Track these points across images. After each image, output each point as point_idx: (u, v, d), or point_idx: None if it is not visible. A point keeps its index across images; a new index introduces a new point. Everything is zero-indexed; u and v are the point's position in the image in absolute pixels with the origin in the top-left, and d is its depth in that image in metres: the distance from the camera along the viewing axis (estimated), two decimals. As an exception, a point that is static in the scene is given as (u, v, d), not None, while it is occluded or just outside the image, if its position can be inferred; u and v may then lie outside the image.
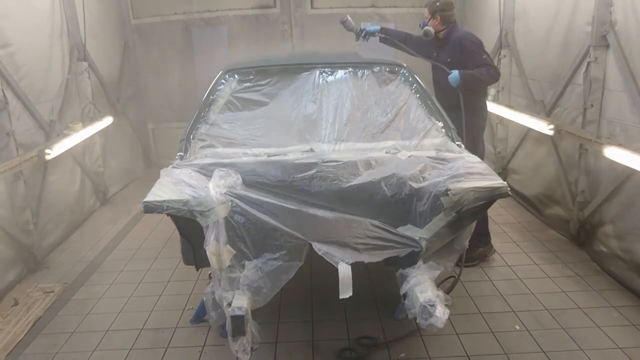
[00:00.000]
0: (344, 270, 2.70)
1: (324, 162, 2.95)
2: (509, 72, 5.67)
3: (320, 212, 2.84)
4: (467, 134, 3.78)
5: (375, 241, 2.86)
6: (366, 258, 2.79)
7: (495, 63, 5.63)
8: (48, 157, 4.49)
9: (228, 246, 2.73)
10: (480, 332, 3.30)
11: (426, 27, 4.15)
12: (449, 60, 4.08)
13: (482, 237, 4.21)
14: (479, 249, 4.21)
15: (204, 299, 2.98)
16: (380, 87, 3.82)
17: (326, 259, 2.72)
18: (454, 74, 3.92)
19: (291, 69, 3.90)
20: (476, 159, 3.11)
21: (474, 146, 3.99)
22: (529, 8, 5.26)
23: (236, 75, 3.84)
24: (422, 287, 2.76)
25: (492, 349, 3.13)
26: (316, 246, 2.75)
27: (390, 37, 4.51)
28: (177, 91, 7.33)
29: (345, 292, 2.72)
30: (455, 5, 7.17)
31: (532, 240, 4.65)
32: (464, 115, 3.83)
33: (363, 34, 4.55)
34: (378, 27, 4.56)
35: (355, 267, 2.76)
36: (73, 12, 5.37)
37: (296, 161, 2.99)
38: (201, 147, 3.40)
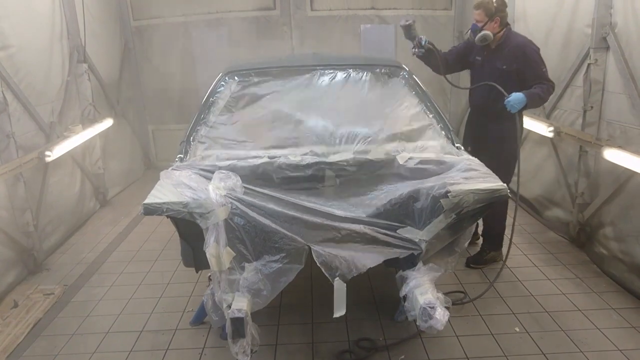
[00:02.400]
0: (339, 287, 2.70)
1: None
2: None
3: (320, 215, 2.84)
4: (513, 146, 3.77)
5: (375, 243, 2.86)
6: (366, 263, 2.78)
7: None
8: (48, 159, 4.49)
9: (228, 248, 2.73)
10: (480, 334, 3.30)
11: (485, 32, 3.72)
12: (504, 67, 3.76)
13: (496, 241, 4.19)
14: (490, 253, 4.19)
15: (204, 301, 2.98)
16: (380, 89, 3.82)
17: (323, 271, 2.72)
18: (517, 96, 3.55)
19: (291, 71, 3.90)
20: (476, 160, 3.11)
21: (513, 160, 3.82)
22: (528, 10, 5.26)
23: (236, 77, 3.84)
24: (422, 289, 2.76)
25: (492, 351, 3.12)
26: (315, 254, 2.74)
27: (437, 53, 3.98)
28: (177, 93, 7.34)
29: (339, 310, 2.73)
30: (455, 7, 7.24)
31: (532, 242, 4.65)
32: (519, 131, 3.75)
33: (424, 42, 3.91)
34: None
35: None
36: (73, 14, 5.37)
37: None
38: (201, 149, 3.41)
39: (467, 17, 6.91)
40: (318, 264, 2.73)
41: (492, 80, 3.76)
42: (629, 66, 3.66)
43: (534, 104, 3.69)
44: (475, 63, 4.02)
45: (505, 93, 3.62)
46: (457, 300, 3.58)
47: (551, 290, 3.80)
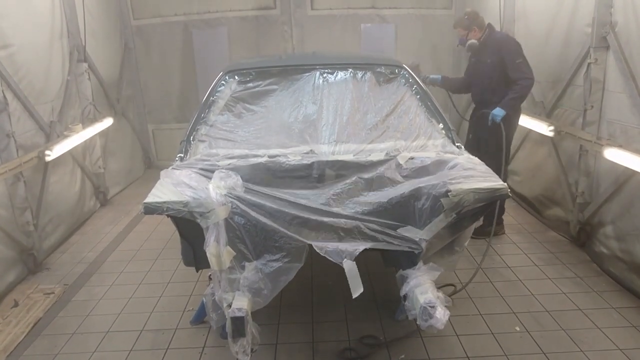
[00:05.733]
0: (350, 267, 2.69)
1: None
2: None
3: (321, 213, 2.84)
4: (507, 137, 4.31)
5: (375, 242, 2.86)
6: (365, 244, 2.78)
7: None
8: (48, 159, 4.49)
9: (228, 247, 2.73)
10: (481, 333, 3.30)
11: (470, 41, 4.49)
12: (488, 61, 4.42)
13: (499, 217, 4.47)
14: (495, 227, 4.36)
15: (204, 300, 2.98)
16: (380, 88, 3.82)
17: (329, 258, 2.72)
18: (496, 111, 4.28)
19: (291, 70, 3.89)
20: (476, 160, 3.11)
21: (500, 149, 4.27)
22: (529, 9, 5.26)
23: (236, 76, 3.84)
24: (422, 289, 2.76)
25: (493, 351, 3.12)
26: (317, 247, 2.74)
27: (449, 87, 5.01)
28: (177, 92, 7.34)
29: (357, 289, 2.71)
30: (455, 7, 7.26)
31: (532, 242, 4.65)
32: (504, 135, 4.23)
33: (427, 79, 4.88)
34: (439, 77, 4.96)
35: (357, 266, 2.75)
36: (73, 13, 5.37)
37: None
38: (201, 148, 3.41)
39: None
40: (322, 254, 2.72)
41: (481, 72, 4.52)
42: (629, 65, 3.66)
43: (513, 108, 4.35)
44: (471, 63, 4.73)
45: (488, 110, 4.36)
46: (450, 294, 3.57)
47: (551, 290, 3.80)
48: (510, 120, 4.40)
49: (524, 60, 4.30)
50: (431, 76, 4.95)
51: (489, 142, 4.41)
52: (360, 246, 2.78)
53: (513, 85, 4.28)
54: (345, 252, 2.73)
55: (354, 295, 2.71)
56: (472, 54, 4.65)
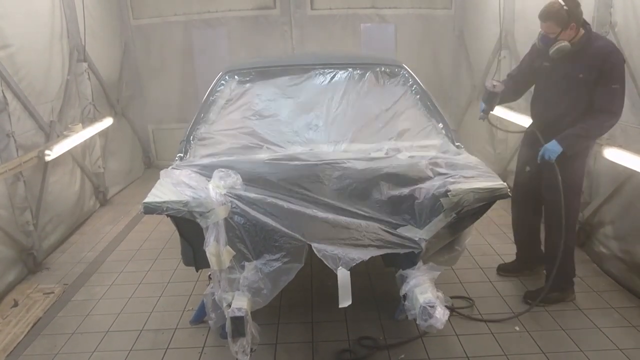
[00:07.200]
0: (343, 276, 2.69)
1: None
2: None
3: (320, 214, 2.84)
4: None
5: (374, 242, 2.86)
6: (365, 253, 2.78)
7: (496, 65, 5.66)
8: (48, 158, 4.49)
9: (228, 247, 2.73)
10: (480, 333, 3.30)
11: (561, 44, 3.11)
12: (580, 76, 3.14)
13: (566, 279, 3.54)
14: (555, 293, 3.50)
15: (204, 300, 2.98)
16: (380, 88, 3.83)
17: (325, 262, 2.72)
18: (552, 145, 3.16)
19: (291, 70, 3.90)
20: (476, 159, 3.11)
21: (579, 178, 3.36)
22: (528, 9, 5.25)
23: (236, 76, 3.85)
24: (422, 288, 2.76)
25: (492, 350, 3.12)
26: (315, 248, 2.75)
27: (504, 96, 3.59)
28: (177, 92, 7.34)
29: (345, 300, 2.71)
30: (455, 6, 7.23)
31: (532, 241, 4.64)
32: (559, 179, 3.20)
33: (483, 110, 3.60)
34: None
35: (355, 267, 2.75)
36: (73, 13, 5.37)
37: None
38: (201, 148, 3.41)
39: (467, 16, 6.91)
40: (320, 257, 2.72)
41: (563, 89, 3.25)
42: (629, 65, 3.65)
43: (575, 147, 3.21)
44: (541, 69, 3.38)
45: (542, 141, 3.27)
46: (464, 307, 3.57)
47: (551, 289, 3.80)
48: (573, 161, 3.26)
49: (621, 87, 3.07)
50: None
51: (546, 182, 3.35)
52: (358, 254, 2.76)
53: (591, 114, 3.13)
54: (342, 260, 2.72)
55: (341, 306, 2.70)
56: (545, 55, 3.27)
